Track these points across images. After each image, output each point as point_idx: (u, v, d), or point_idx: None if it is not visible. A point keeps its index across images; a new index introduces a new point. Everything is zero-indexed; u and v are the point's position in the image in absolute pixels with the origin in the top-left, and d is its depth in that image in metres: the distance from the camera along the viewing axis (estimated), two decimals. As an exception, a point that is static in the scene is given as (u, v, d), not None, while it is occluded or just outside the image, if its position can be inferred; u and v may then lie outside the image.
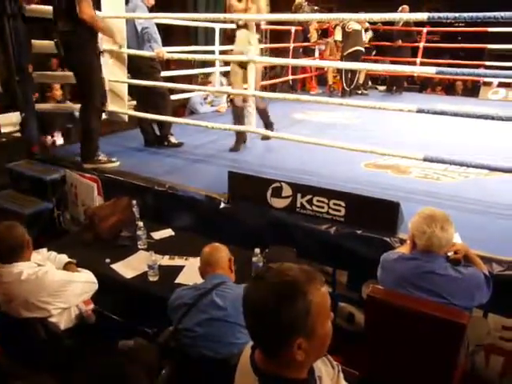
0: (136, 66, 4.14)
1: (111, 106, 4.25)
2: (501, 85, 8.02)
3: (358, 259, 2.51)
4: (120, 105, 4.28)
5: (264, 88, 6.60)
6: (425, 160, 3.22)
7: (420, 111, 3.15)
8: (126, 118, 4.37)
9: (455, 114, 3.16)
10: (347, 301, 2.65)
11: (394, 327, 1.82)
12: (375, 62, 7.82)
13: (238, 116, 4.23)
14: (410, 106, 3.16)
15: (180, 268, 2.58)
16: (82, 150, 3.74)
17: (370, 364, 1.92)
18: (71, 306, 2.09)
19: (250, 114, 4.19)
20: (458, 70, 3.30)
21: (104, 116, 4.76)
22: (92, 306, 2.20)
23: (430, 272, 1.85)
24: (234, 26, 4.31)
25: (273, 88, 7.44)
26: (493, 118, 2.97)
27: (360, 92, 7.86)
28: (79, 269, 2.26)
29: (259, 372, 1.07)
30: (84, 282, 2.15)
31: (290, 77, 7.60)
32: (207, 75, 6.79)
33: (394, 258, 2.00)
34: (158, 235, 2.98)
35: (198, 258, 2.16)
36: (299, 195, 2.72)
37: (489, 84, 8.07)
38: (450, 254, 1.97)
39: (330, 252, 2.62)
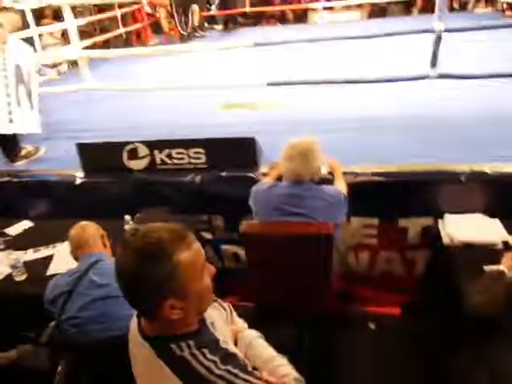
0: None
1: None
2: (325, 9, 8.57)
3: (229, 201, 2.56)
4: None
5: (96, 45, 6.10)
6: (268, 85, 3.35)
7: (257, 45, 3.25)
8: None
9: (286, 42, 3.32)
10: (229, 242, 2.74)
11: (272, 254, 1.93)
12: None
13: None
14: (247, 41, 3.25)
15: (49, 258, 2.37)
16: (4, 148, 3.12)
17: (258, 293, 2.04)
18: None
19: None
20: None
21: None
22: None
23: (298, 196, 1.98)
24: None
25: (106, 44, 6.90)
26: (323, 39, 3.21)
27: (198, 34, 7.72)
28: None
29: (147, 337, 1.05)
30: None
31: (122, 29, 7.10)
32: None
33: (264, 188, 2.10)
34: (13, 230, 2.67)
35: (67, 243, 2.01)
36: (156, 152, 2.63)
37: (315, 9, 8.55)
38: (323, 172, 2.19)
39: (200, 201, 2.63)
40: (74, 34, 3.15)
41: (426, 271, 2.54)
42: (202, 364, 0.99)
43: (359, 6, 8.25)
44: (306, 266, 1.92)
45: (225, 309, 1.33)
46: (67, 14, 3.37)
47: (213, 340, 1.07)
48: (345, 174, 2.35)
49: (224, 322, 1.28)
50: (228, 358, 1.03)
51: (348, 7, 8.47)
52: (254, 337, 1.30)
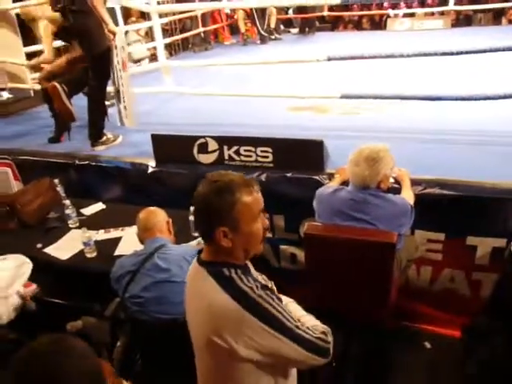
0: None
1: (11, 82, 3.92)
2: (405, 15, 8.33)
3: (291, 201, 2.57)
4: (20, 79, 3.95)
5: (176, 43, 6.35)
6: (342, 97, 3.32)
7: (330, 59, 3.25)
8: (31, 93, 4.06)
9: (362, 57, 3.28)
10: (288, 243, 2.75)
11: (331, 257, 1.92)
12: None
13: None
14: (320, 55, 3.29)
15: (117, 240, 2.51)
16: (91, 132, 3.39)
17: (313, 296, 2.03)
18: (9, 296, 1.99)
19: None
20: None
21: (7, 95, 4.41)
22: (34, 286, 2.12)
23: (362, 202, 1.96)
24: None
25: (184, 42, 7.19)
26: (401, 56, 3.12)
27: (274, 37, 7.79)
28: (5, 256, 2.14)
29: (203, 262, 1.23)
30: (13, 268, 2.04)
31: (201, 29, 7.35)
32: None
33: (329, 191, 2.09)
34: (88, 211, 2.86)
35: (135, 227, 2.13)
36: (226, 147, 2.71)
37: (395, 16, 8.34)
38: (391, 180, 2.15)
39: (264, 199, 2.66)
40: (159, 37, 3.39)
41: (493, 295, 2.40)
42: (246, 284, 1.16)
43: (442, 13, 7.90)
44: (365, 274, 1.88)
45: (267, 281, 1.39)
46: (154, 16, 3.63)
47: (255, 278, 1.24)
48: (413, 184, 2.28)
49: None
50: (267, 288, 1.20)
51: (430, 14, 8.16)
52: (289, 301, 1.42)
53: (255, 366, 1.17)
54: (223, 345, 1.13)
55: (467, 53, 3.02)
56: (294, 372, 1.34)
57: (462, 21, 8.13)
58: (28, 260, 2.12)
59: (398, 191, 2.21)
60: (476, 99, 2.93)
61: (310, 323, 1.29)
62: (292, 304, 1.40)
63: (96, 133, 3.35)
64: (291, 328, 1.17)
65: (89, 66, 3.26)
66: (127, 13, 6.59)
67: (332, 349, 1.27)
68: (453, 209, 2.33)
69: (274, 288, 1.30)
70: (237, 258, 1.22)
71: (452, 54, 2.98)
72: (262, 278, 1.28)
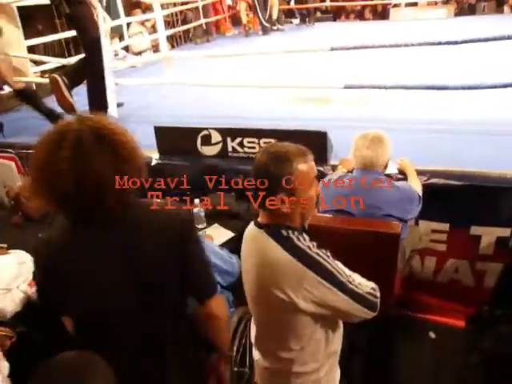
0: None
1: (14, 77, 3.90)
2: (408, 5, 8.24)
3: (295, 192, 2.57)
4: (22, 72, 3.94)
5: (178, 35, 6.28)
6: (345, 87, 3.30)
7: (333, 49, 3.22)
8: (33, 86, 4.06)
9: (365, 47, 3.25)
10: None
11: (334, 248, 1.91)
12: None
13: None
14: (323, 45, 3.27)
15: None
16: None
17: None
18: (12, 289, 2.00)
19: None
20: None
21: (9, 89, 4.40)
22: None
23: (368, 186, 1.96)
24: None
25: (186, 34, 7.15)
26: (406, 45, 3.10)
27: (276, 28, 7.74)
28: (11, 251, 2.14)
29: (262, 225, 1.34)
30: (16, 264, 2.05)
31: (203, 20, 7.30)
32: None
33: (335, 177, 2.10)
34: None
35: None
36: (229, 139, 2.70)
37: (397, 5, 8.25)
38: (395, 171, 2.23)
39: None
40: (161, 29, 3.37)
41: (497, 285, 2.40)
42: (303, 243, 1.28)
43: (446, 2, 7.84)
44: (369, 264, 1.87)
45: None
46: (156, 6, 3.62)
47: (309, 239, 1.33)
48: (417, 174, 2.27)
49: None
50: (320, 248, 1.31)
51: (433, 4, 8.09)
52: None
53: (311, 318, 1.30)
54: (284, 297, 1.26)
55: (471, 42, 2.99)
56: (341, 328, 1.46)
57: (466, 10, 8.06)
58: (30, 258, 2.12)
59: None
60: (482, 88, 2.89)
61: (359, 280, 1.38)
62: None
63: None
64: (345, 282, 1.28)
65: (86, 56, 3.24)
66: (135, 4, 6.58)
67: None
68: (457, 199, 2.32)
69: None
70: (294, 222, 1.32)
71: (456, 43, 2.94)
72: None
